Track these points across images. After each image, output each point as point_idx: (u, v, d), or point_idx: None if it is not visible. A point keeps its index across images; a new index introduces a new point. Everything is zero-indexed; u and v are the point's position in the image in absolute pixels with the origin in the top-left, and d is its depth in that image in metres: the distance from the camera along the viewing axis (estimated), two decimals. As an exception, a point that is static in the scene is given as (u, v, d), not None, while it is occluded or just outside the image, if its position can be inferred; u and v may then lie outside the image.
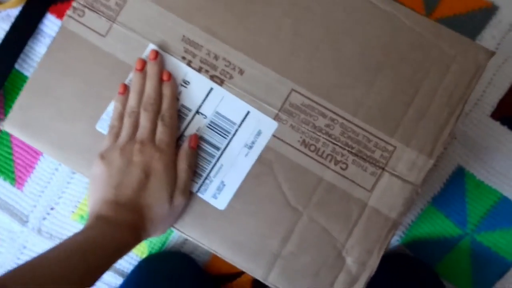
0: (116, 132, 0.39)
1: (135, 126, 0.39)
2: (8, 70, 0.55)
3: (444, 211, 0.57)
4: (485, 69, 0.39)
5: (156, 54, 0.40)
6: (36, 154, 0.55)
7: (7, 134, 0.55)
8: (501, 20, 0.55)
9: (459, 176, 0.57)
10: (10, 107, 0.48)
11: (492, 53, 0.39)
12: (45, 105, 0.41)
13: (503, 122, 0.56)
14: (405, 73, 0.39)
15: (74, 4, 0.41)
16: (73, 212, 0.55)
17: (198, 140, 0.40)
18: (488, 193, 0.56)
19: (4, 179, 0.55)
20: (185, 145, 0.39)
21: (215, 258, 0.55)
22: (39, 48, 0.55)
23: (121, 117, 0.40)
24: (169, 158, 0.38)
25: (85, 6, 0.41)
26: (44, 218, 0.55)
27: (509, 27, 0.55)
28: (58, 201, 0.55)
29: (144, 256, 0.55)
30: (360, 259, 0.38)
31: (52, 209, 0.55)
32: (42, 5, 0.55)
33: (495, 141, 0.56)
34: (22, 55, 0.55)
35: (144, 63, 0.40)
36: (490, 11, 0.55)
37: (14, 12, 0.55)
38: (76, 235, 0.35)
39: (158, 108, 0.39)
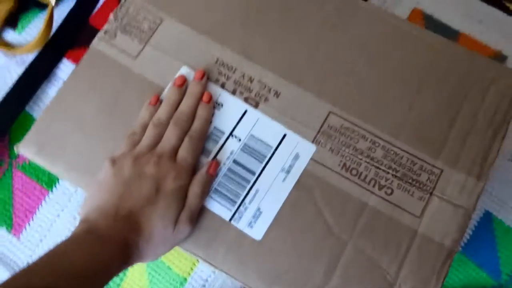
0: (135, 140, 0.36)
1: (158, 138, 0.36)
2: (17, 112, 0.52)
3: (476, 260, 0.53)
4: None
5: (203, 74, 0.38)
6: (37, 199, 0.51)
7: (10, 177, 0.51)
8: None
9: (487, 222, 0.54)
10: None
11: (527, 77, 0.39)
12: (67, 124, 0.38)
13: (525, 166, 0.55)
14: (444, 95, 0.39)
15: (106, 26, 0.40)
16: (74, 262, 0.49)
17: (218, 168, 0.37)
18: (519, 240, 0.53)
19: (1, 225, 0.50)
20: (203, 170, 0.36)
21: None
22: (52, 91, 0.53)
23: (145, 126, 0.37)
24: (184, 181, 0.35)
25: (117, 29, 0.40)
26: (39, 271, 0.49)
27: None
28: (57, 251, 0.50)
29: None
30: (414, 293, 0.34)
31: (49, 260, 0.50)
32: (58, 51, 0.55)
33: (519, 186, 0.55)
34: (33, 98, 0.53)
35: (185, 80, 0.38)
36: (499, 60, 0.57)
37: (30, 57, 0.54)
38: (58, 252, 0.30)
39: (188, 129, 0.37)
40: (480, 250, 0.54)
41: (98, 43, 0.40)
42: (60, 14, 0.56)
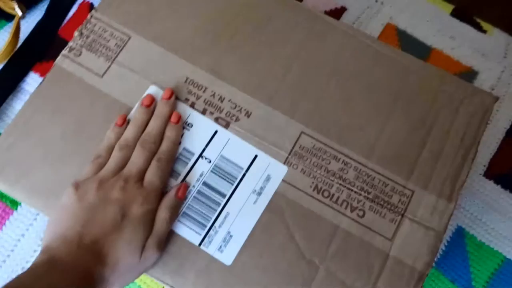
0: (100, 163, 0.35)
1: (124, 161, 0.35)
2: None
3: (449, 276, 0.53)
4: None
5: (171, 93, 0.37)
6: (1, 218, 0.49)
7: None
8: (482, 84, 0.58)
9: (460, 238, 0.54)
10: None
11: (496, 98, 0.39)
12: (29, 146, 0.36)
13: (497, 181, 0.55)
14: (415, 115, 0.39)
15: (70, 44, 0.39)
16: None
17: (187, 191, 0.36)
18: (491, 256, 0.54)
19: (-39, 247, 0.48)
20: (171, 194, 0.35)
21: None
22: (18, 106, 0.52)
23: (110, 149, 0.36)
24: (152, 206, 0.34)
25: (82, 46, 0.39)
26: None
27: (490, 91, 0.57)
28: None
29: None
30: (386, 318, 0.34)
31: (13, 282, 0.47)
32: (25, 64, 0.53)
33: (491, 200, 0.55)
34: (-2, 113, 0.51)
35: (153, 100, 0.37)
36: (470, 76, 0.58)
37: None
38: (16, 286, 0.29)
39: (156, 151, 0.36)
40: (453, 265, 0.54)
41: (62, 60, 0.39)
42: (28, 26, 0.54)
